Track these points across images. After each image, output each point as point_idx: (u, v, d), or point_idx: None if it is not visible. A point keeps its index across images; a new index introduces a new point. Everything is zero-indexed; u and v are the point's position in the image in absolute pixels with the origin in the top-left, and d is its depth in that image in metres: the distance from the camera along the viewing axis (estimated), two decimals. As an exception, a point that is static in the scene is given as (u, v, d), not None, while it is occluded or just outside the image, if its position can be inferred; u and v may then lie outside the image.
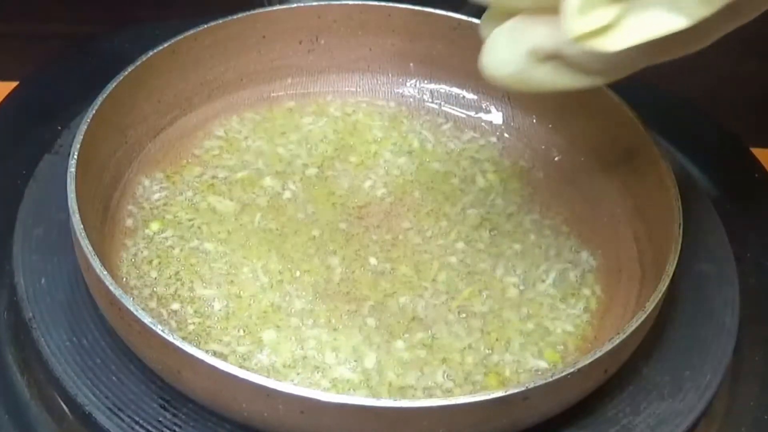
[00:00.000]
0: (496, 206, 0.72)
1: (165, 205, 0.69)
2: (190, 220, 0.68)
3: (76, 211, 0.57)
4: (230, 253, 0.66)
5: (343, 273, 0.65)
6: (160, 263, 0.65)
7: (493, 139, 0.78)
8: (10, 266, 0.63)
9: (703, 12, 0.38)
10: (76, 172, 0.60)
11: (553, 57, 0.43)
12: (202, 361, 0.50)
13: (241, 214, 0.69)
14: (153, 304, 0.62)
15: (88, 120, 0.63)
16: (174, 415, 0.55)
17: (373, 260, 0.66)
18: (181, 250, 0.66)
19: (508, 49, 0.44)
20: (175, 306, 0.62)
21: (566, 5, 0.40)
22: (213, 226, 0.68)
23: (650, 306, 0.56)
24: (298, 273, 0.65)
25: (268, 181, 0.72)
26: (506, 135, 0.79)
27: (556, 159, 0.76)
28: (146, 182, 0.71)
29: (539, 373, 0.60)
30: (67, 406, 0.57)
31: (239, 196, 0.70)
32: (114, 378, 0.57)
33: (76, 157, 0.61)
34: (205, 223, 0.68)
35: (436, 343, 0.61)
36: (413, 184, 0.73)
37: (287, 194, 0.71)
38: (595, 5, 0.39)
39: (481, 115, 0.80)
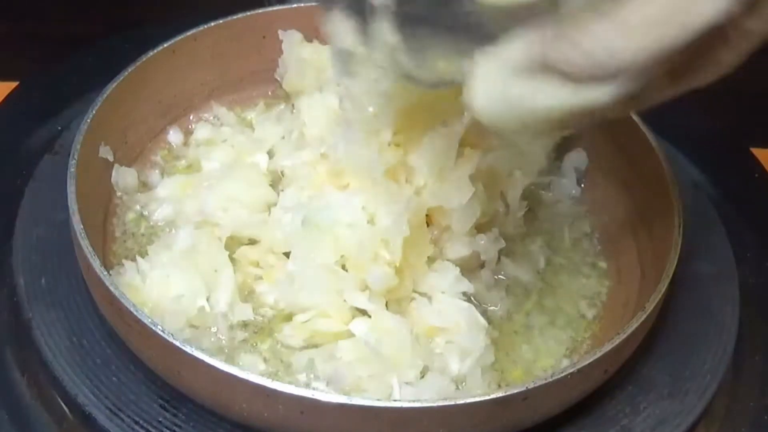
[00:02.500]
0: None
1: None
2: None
3: (76, 211, 0.57)
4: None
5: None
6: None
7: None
8: (10, 266, 0.63)
9: None
10: (76, 172, 0.60)
11: (541, 70, 0.39)
12: (202, 361, 0.50)
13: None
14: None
15: (88, 120, 0.63)
16: (174, 415, 0.55)
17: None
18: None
19: (491, 80, 0.40)
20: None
21: None
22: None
23: (650, 306, 0.56)
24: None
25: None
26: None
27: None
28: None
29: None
30: (67, 406, 0.57)
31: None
32: (114, 378, 0.57)
33: (76, 157, 0.61)
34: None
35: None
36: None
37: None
38: None
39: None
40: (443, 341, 0.60)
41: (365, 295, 0.59)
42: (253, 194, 0.66)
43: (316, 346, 0.60)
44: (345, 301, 0.59)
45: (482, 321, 0.61)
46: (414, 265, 0.61)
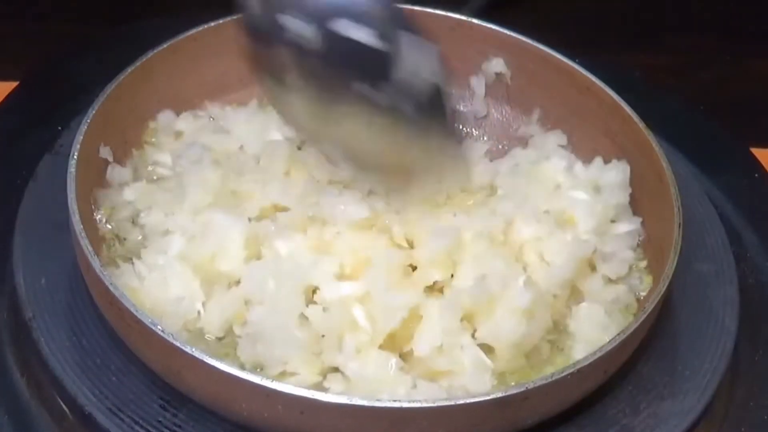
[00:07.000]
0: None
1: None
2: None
3: (76, 211, 0.57)
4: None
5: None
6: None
7: (492, 141, 0.78)
8: (10, 266, 0.63)
9: None
10: (76, 172, 0.60)
11: None
12: (202, 361, 0.50)
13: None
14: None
15: (88, 120, 0.63)
16: (174, 415, 0.55)
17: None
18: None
19: None
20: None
21: None
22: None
23: (650, 306, 0.56)
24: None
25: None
26: (506, 137, 0.79)
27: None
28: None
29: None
30: (67, 406, 0.57)
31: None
32: (114, 378, 0.57)
33: (76, 157, 0.61)
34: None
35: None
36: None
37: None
38: None
39: (480, 116, 0.80)
40: (447, 384, 0.56)
41: (343, 356, 0.55)
42: (253, 194, 0.66)
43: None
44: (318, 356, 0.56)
45: (487, 362, 0.57)
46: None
